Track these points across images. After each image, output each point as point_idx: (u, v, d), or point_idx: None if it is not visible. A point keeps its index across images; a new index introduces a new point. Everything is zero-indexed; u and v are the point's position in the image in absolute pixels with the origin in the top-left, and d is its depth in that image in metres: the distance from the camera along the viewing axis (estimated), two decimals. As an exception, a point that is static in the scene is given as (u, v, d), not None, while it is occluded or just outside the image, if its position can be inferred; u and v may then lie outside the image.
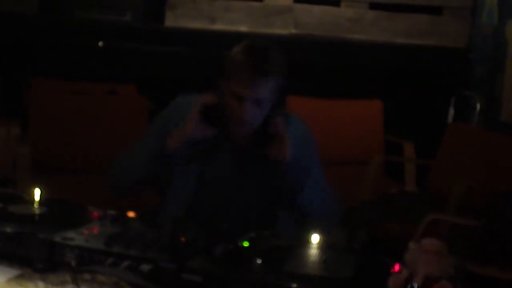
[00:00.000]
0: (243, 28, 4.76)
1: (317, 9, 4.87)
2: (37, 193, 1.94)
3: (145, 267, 1.60)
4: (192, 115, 2.16)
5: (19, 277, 1.64)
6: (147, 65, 4.64)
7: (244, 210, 2.27)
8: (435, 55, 4.77)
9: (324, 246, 1.82)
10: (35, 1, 4.75)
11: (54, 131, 3.79)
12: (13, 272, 1.66)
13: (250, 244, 1.74)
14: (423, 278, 1.50)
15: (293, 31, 4.84)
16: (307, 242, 1.83)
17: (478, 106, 4.49)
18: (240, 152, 2.26)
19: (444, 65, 4.75)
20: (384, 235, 3.30)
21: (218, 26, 4.80)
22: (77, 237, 1.71)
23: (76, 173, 3.68)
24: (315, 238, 1.84)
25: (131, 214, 1.91)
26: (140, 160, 2.25)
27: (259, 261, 1.65)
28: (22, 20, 4.66)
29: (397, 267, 1.59)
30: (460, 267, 1.55)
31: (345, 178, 4.05)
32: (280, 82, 2.18)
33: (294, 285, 1.57)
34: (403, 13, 4.87)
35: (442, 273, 1.50)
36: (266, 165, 2.20)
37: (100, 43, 4.61)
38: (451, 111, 4.60)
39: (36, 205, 1.93)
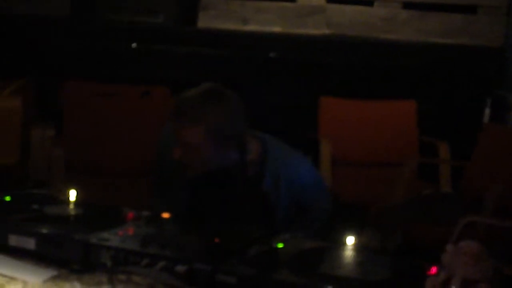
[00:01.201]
0: (275, 29, 4.75)
1: (350, 9, 4.84)
2: (72, 194, 1.96)
3: (180, 268, 1.60)
4: None
5: (56, 278, 1.66)
6: (180, 66, 4.65)
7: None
8: (470, 54, 4.71)
9: (358, 247, 1.81)
10: (67, 4, 4.79)
11: (87, 133, 3.83)
12: (49, 273, 1.68)
13: (284, 245, 1.74)
14: (461, 281, 1.48)
15: (326, 31, 4.82)
16: (342, 243, 1.82)
17: (514, 106, 4.42)
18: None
19: (479, 64, 4.68)
20: (419, 237, 3.26)
21: (251, 27, 4.80)
22: (112, 238, 1.72)
23: (109, 175, 3.71)
24: (349, 240, 1.82)
25: (165, 215, 1.91)
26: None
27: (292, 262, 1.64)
28: (55, 23, 4.70)
29: (434, 270, 1.57)
30: (497, 269, 1.53)
31: (379, 180, 4.03)
32: (213, 128, 2.11)
33: (329, 287, 1.55)
34: (437, 12, 4.81)
35: (480, 275, 1.48)
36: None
37: (133, 45, 4.64)
38: (487, 111, 4.53)
39: (71, 206, 1.94)
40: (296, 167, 2.31)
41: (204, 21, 4.80)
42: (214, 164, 2.19)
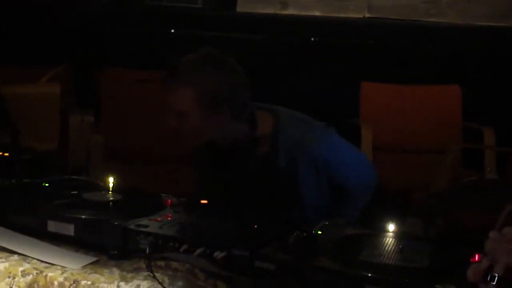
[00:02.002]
0: (316, 13, 4.70)
1: (391, -9, 4.77)
2: (110, 180, 1.96)
3: (218, 255, 1.59)
4: None
5: (94, 264, 1.66)
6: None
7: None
8: (516, 37, 4.60)
9: (400, 234, 1.77)
10: (106, -11, 4.83)
11: (126, 120, 3.85)
12: (88, 259, 1.68)
13: (323, 232, 1.71)
14: (505, 268, 1.44)
15: (367, 15, 4.75)
16: (382, 230, 1.78)
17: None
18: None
19: (526, 48, 4.57)
20: (462, 224, 3.20)
21: (290, 11, 4.75)
22: (151, 224, 1.72)
23: (148, 161, 3.73)
24: (390, 226, 1.79)
25: (204, 201, 1.90)
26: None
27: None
28: (94, 9, 4.73)
29: (477, 257, 1.54)
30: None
31: (422, 167, 3.97)
32: (205, 92, 2.02)
33: (369, 274, 1.52)
34: (482, -5, 4.71)
35: (525, 264, 1.43)
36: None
37: (172, 31, 4.64)
38: (534, 96, 4.42)
39: (110, 193, 1.95)
40: (317, 141, 2.13)
41: (243, 6, 4.78)
42: (209, 135, 2.09)
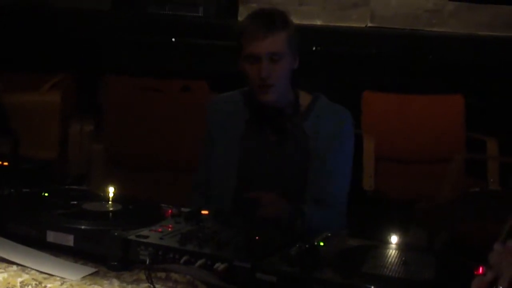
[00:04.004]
0: (318, 22, 4.70)
1: (394, 1, 4.77)
2: (111, 190, 1.95)
3: (220, 266, 1.57)
4: None
5: (94, 275, 1.64)
6: (220, 60, 4.63)
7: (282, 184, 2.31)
8: (519, 47, 4.59)
9: (403, 246, 1.75)
10: (108, -2, 4.84)
11: (127, 128, 3.84)
12: (87, 270, 1.66)
13: (325, 244, 1.69)
14: (509, 282, 1.42)
15: (370, 24, 4.75)
16: (385, 241, 1.77)
17: None
18: (273, 130, 2.33)
19: (529, 57, 4.56)
20: (466, 235, 3.18)
21: (293, 20, 4.74)
22: (151, 235, 1.70)
23: (149, 170, 3.72)
24: (393, 238, 1.77)
25: (205, 212, 1.89)
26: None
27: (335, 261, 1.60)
28: (96, 16, 4.74)
29: (481, 269, 1.52)
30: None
31: (425, 177, 3.96)
32: (293, 37, 2.26)
33: (372, 286, 1.50)
34: (485, 4, 4.72)
35: (531, 276, 1.41)
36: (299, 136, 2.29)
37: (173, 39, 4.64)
38: (537, 106, 4.42)
39: (110, 203, 1.93)
40: (338, 126, 2.32)
41: (245, 15, 4.76)
42: (287, 80, 2.27)
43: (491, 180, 3.93)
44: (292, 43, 2.26)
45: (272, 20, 2.23)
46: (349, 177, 2.39)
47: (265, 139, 2.34)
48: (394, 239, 1.77)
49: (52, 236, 1.75)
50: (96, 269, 1.67)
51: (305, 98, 2.36)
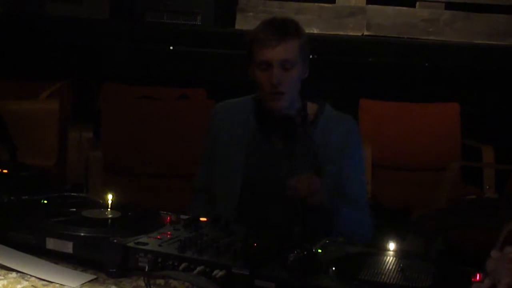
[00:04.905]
0: (314, 30, 4.71)
1: (390, 10, 4.79)
2: (110, 197, 1.95)
3: (218, 273, 1.58)
4: None
5: (93, 282, 1.65)
6: (217, 68, 4.65)
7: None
8: (514, 55, 4.61)
9: (400, 253, 1.76)
10: (106, 6, 4.84)
11: (125, 135, 3.84)
12: (86, 277, 1.67)
13: (324, 250, 1.70)
14: None
15: (366, 32, 4.77)
16: (383, 249, 1.77)
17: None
18: (282, 137, 2.32)
19: (524, 66, 4.58)
20: (463, 243, 3.19)
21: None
22: (150, 242, 1.70)
23: (147, 177, 3.72)
24: (391, 245, 1.78)
25: (203, 219, 1.89)
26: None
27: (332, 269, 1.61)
28: (94, 25, 4.75)
29: (478, 276, 1.53)
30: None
31: (421, 184, 3.97)
32: (304, 47, 2.27)
33: (370, 294, 1.52)
34: (481, 13, 4.74)
35: (527, 283, 1.42)
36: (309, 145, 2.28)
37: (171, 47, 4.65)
38: (532, 114, 4.43)
39: (109, 210, 1.94)
40: (347, 134, 2.34)
41: (242, 23, 4.79)
42: (297, 86, 2.28)
43: (487, 187, 3.94)
44: (304, 52, 2.27)
45: (285, 28, 2.25)
46: (364, 183, 2.42)
47: (271, 147, 2.33)
48: (391, 246, 1.78)
49: (51, 243, 1.75)
50: (95, 276, 1.67)
51: (311, 107, 2.36)
